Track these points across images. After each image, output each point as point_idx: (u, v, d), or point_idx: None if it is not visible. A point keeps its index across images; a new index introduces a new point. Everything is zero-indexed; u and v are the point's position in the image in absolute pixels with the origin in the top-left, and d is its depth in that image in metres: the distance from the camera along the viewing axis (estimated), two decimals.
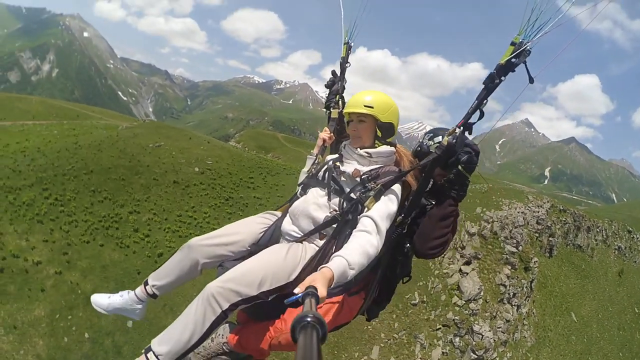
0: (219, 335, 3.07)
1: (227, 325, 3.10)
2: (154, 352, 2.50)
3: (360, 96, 3.11)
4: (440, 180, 3.06)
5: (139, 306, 3.05)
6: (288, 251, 2.75)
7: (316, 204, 2.97)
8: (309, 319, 1.29)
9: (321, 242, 2.87)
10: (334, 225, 2.88)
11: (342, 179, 3.04)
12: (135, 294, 3.03)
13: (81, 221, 36.75)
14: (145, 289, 3.00)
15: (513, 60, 2.74)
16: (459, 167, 2.91)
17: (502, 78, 2.78)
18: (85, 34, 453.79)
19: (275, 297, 2.63)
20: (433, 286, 35.94)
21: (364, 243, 2.57)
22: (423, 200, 3.07)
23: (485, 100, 2.82)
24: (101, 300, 3.07)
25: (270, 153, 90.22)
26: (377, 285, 3.07)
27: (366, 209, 2.81)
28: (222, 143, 73.49)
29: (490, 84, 2.80)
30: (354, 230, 2.72)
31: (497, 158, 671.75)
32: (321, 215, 2.92)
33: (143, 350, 2.58)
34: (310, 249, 2.85)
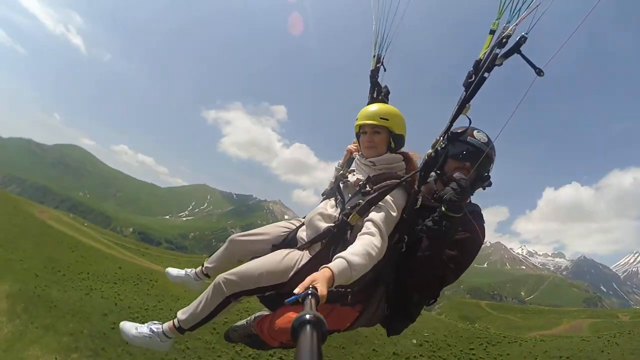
0: (250, 319, 3.55)
1: (259, 313, 3.48)
2: (177, 318, 3.17)
3: (373, 109, 3.18)
4: (452, 175, 2.89)
5: (197, 282, 3.71)
6: (286, 256, 3.01)
7: (321, 215, 3.12)
8: (308, 319, 1.31)
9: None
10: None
11: (346, 189, 3.19)
12: (195, 272, 3.71)
13: None
14: (202, 269, 3.65)
15: (497, 51, 2.42)
16: (442, 207, 2.73)
17: (486, 75, 2.48)
18: (286, 217, 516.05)
19: (273, 293, 2.95)
20: None
21: (366, 245, 2.60)
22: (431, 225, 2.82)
23: (467, 105, 2.59)
24: (172, 272, 3.88)
25: (477, 323, 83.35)
26: (382, 301, 3.08)
27: (356, 222, 2.90)
28: (435, 315, 71.38)
29: (470, 86, 2.53)
30: (358, 234, 2.75)
31: None
32: (323, 225, 3.04)
33: (174, 316, 3.21)
34: (306, 256, 3.01)
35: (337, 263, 2.38)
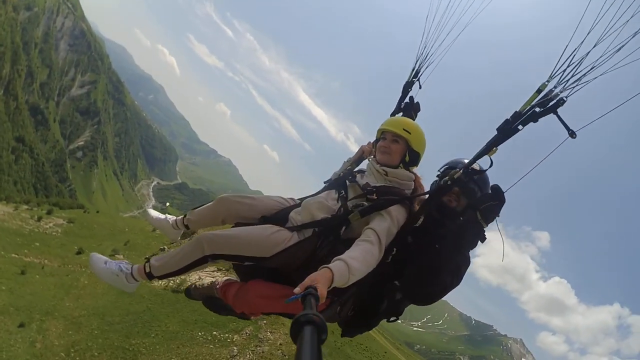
0: (216, 282, 3.61)
1: (227, 278, 3.60)
2: (150, 264, 3.10)
3: (400, 119, 3.37)
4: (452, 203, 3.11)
5: (175, 231, 3.62)
6: (275, 232, 2.95)
7: (320, 204, 3.13)
8: (310, 319, 1.30)
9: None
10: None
11: (352, 188, 3.18)
12: (176, 220, 3.62)
13: None
14: (184, 219, 3.57)
15: (537, 109, 2.55)
16: (477, 213, 2.83)
17: (520, 127, 2.60)
18: None
19: (251, 265, 2.94)
20: None
21: (365, 252, 2.64)
22: (409, 239, 3.04)
23: (495, 148, 2.70)
24: (152, 214, 3.81)
25: None
26: (350, 302, 3.09)
27: (356, 222, 2.93)
28: None
29: (503, 132, 2.64)
30: (357, 240, 2.77)
31: None
32: (319, 214, 3.05)
33: (145, 259, 3.21)
34: (295, 239, 2.97)
35: (337, 265, 2.39)
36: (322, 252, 2.88)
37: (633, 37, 2.28)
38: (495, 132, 2.67)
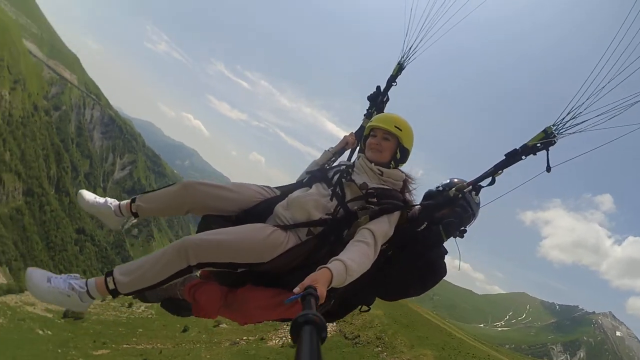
0: (179, 281, 3.08)
1: (190, 276, 3.04)
2: (114, 279, 2.51)
3: (391, 116, 3.21)
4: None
5: (117, 218, 3.10)
6: (271, 234, 2.71)
7: (315, 202, 2.93)
8: (311, 319, 1.30)
9: (305, 238, 2.83)
10: (322, 227, 2.84)
11: (348, 187, 3.03)
12: (119, 206, 3.09)
13: None
14: (131, 205, 3.04)
15: (538, 144, 2.86)
16: (440, 227, 3.04)
17: (523, 157, 2.89)
18: (618, 333, 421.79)
19: (243, 270, 2.67)
20: None
21: (362, 254, 2.58)
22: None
23: (500, 171, 2.93)
24: (87, 197, 3.18)
25: None
26: (334, 298, 2.93)
27: (358, 224, 2.83)
28: None
29: (511, 158, 2.90)
30: (352, 239, 2.70)
31: None
32: (316, 214, 2.88)
33: (104, 273, 2.57)
34: (292, 240, 2.79)
35: (336, 266, 2.34)
36: (321, 253, 2.75)
37: (608, 115, 2.72)
38: (504, 157, 2.93)
